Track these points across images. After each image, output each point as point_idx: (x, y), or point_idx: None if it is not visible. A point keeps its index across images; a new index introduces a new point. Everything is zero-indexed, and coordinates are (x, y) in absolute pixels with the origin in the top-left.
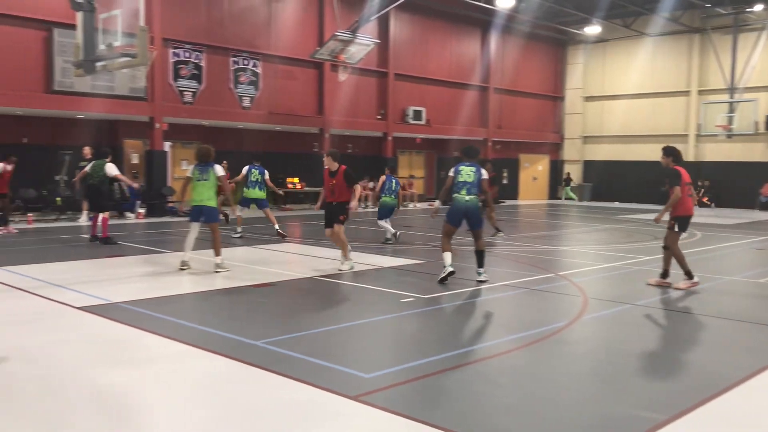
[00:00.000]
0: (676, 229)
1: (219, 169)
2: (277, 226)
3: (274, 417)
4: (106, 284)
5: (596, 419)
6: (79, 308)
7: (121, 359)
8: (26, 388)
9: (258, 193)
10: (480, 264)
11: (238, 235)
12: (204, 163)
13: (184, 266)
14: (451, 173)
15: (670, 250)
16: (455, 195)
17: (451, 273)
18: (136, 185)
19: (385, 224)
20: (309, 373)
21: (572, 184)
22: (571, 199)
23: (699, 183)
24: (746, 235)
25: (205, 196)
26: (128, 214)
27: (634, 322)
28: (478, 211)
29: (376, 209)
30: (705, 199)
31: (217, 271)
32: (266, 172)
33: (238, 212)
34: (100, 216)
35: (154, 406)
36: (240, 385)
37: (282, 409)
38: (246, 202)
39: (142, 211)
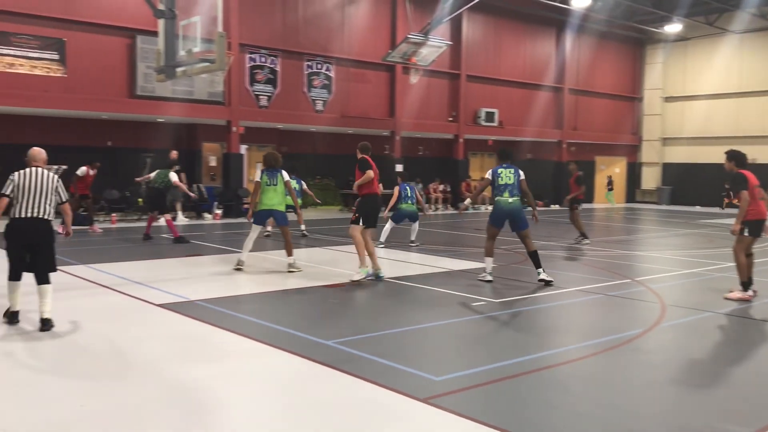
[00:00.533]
0: (746, 233)
1: (286, 175)
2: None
3: (343, 416)
4: (185, 282)
5: (672, 429)
6: (159, 305)
7: (198, 355)
8: (108, 381)
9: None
10: (537, 264)
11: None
12: (272, 168)
13: (239, 266)
14: (488, 176)
15: (735, 256)
16: (498, 198)
17: (489, 281)
18: (193, 195)
19: (387, 227)
20: (379, 374)
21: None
22: (610, 203)
23: None
24: None
25: (276, 201)
26: (206, 215)
27: (714, 330)
28: (522, 213)
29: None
30: None
31: (290, 271)
32: (303, 182)
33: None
34: (162, 218)
35: (228, 401)
36: (311, 384)
37: (351, 409)
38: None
39: (218, 212)
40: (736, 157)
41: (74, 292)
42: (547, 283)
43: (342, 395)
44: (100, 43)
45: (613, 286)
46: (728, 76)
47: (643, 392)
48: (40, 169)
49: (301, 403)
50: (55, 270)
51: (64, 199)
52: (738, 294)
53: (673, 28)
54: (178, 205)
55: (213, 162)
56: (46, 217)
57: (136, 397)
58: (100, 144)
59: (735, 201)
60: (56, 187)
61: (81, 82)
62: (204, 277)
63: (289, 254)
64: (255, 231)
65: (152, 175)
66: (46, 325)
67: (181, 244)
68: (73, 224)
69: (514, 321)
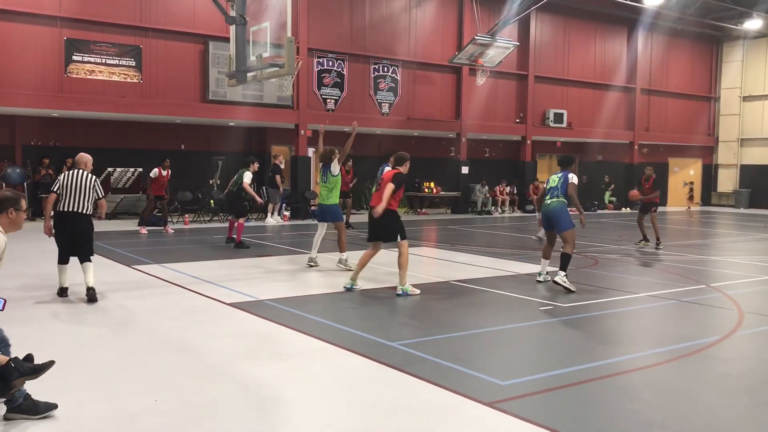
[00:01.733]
0: None
1: (335, 168)
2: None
3: (407, 418)
4: (254, 282)
5: None
6: (229, 304)
7: (266, 353)
8: (181, 377)
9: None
10: (562, 266)
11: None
12: (325, 164)
13: (311, 263)
14: (544, 184)
15: None
16: (544, 203)
17: (540, 282)
18: (260, 200)
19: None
20: (444, 377)
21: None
22: (611, 203)
23: None
24: None
25: (324, 195)
26: (274, 216)
27: None
28: (560, 214)
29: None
30: None
31: (339, 267)
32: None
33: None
34: (239, 221)
35: (296, 400)
36: (375, 385)
37: (415, 411)
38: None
39: (287, 213)
40: None
41: (148, 290)
42: (567, 290)
43: (406, 397)
44: (174, 50)
45: (687, 292)
46: None
47: (717, 403)
48: (81, 171)
49: (366, 404)
50: (92, 254)
51: (100, 196)
52: None
53: (753, 24)
54: (271, 207)
55: (282, 165)
56: (84, 211)
57: (207, 394)
58: (173, 147)
59: None
60: (94, 186)
61: (156, 87)
62: (272, 277)
63: (341, 250)
64: (320, 228)
65: (236, 176)
66: (90, 292)
67: (239, 249)
68: (148, 225)
69: (582, 326)
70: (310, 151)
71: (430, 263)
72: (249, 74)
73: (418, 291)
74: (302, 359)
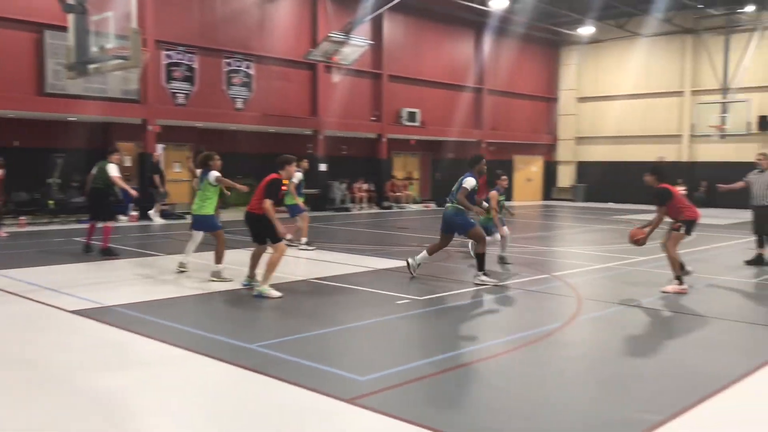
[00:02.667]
0: (683, 231)
1: (212, 176)
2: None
3: (268, 420)
4: (100, 287)
5: (592, 421)
6: (72, 312)
7: (116, 363)
8: (22, 393)
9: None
10: (477, 267)
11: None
12: (203, 171)
13: (181, 268)
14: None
15: (669, 252)
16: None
17: (409, 266)
18: (134, 193)
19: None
20: (304, 376)
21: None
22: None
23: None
24: (740, 235)
25: (198, 204)
26: (121, 217)
27: (628, 323)
28: (450, 218)
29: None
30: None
31: (212, 280)
32: (296, 175)
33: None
34: (100, 224)
35: (149, 410)
36: (235, 389)
37: (276, 413)
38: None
39: (134, 213)
40: (657, 171)
41: None
42: (494, 285)
43: (266, 399)
44: (5, 38)
45: (533, 282)
46: (638, 78)
47: (563, 385)
48: None
49: (224, 410)
50: None
51: None
52: (675, 288)
53: (586, 30)
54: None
55: (128, 162)
56: None
57: (50, 409)
58: (6, 144)
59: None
60: None
61: None
62: (120, 281)
63: (217, 261)
64: (194, 237)
65: (94, 170)
66: None
67: (105, 256)
68: None
69: (437, 318)
70: (159, 148)
71: (289, 262)
72: (91, 66)
73: (277, 294)
74: (155, 368)
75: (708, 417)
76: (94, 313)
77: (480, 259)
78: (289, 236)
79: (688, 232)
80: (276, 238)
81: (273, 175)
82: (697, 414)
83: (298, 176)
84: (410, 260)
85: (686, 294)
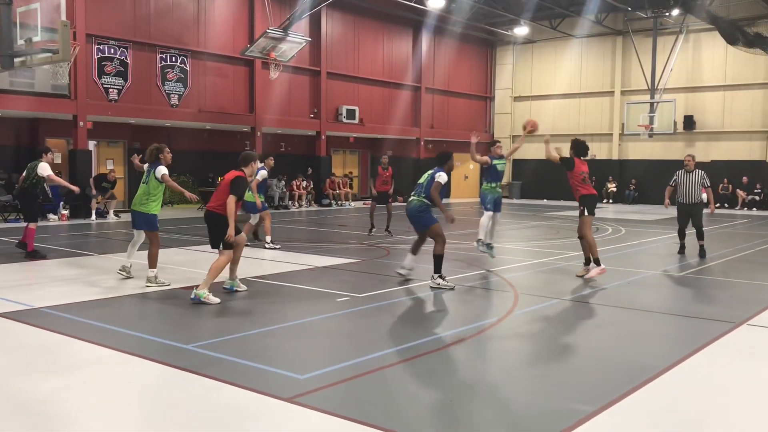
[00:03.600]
0: (586, 213)
1: (159, 171)
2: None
3: (206, 421)
4: (28, 289)
5: (529, 412)
6: None
7: (45, 367)
8: None
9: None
10: (434, 268)
11: (270, 245)
12: (151, 164)
13: (123, 272)
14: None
15: (585, 235)
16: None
17: (400, 274)
18: (75, 188)
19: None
20: (242, 376)
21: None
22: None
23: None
24: (667, 230)
25: (138, 199)
26: (51, 216)
27: (562, 316)
28: (417, 212)
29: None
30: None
31: (148, 286)
32: (260, 172)
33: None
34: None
35: (81, 414)
36: (171, 390)
37: (214, 414)
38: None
39: (65, 212)
40: (575, 146)
41: None
42: (449, 289)
43: (203, 400)
44: None
45: (471, 277)
46: (571, 78)
47: (501, 378)
48: None
49: (159, 411)
50: None
51: None
52: (595, 270)
53: (521, 30)
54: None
55: (58, 159)
56: None
57: None
58: None
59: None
60: None
61: None
62: (49, 282)
63: (151, 266)
64: (136, 235)
65: (26, 172)
66: None
67: (31, 258)
68: None
69: (376, 315)
70: (91, 144)
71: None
72: (17, 60)
73: (216, 300)
74: (86, 370)
75: (637, 406)
76: (22, 316)
77: (438, 260)
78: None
79: (590, 212)
80: (226, 244)
81: (237, 173)
82: (628, 403)
83: (262, 174)
84: (400, 270)
85: (605, 273)
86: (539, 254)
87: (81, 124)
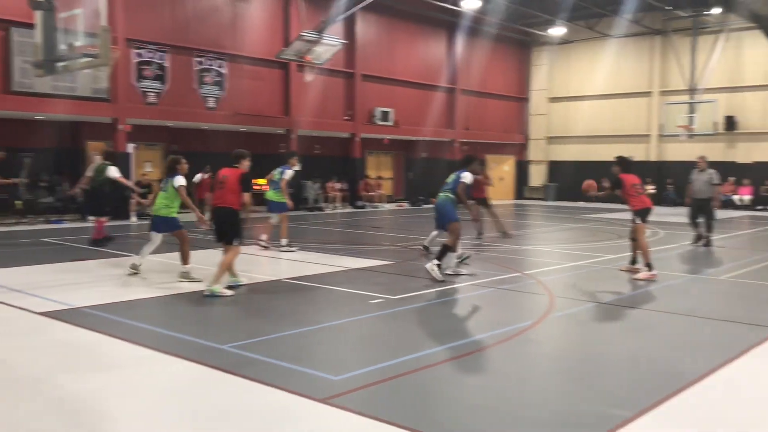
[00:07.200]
0: (640, 221)
1: (177, 181)
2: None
3: (241, 421)
4: (69, 288)
5: (564, 417)
6: (40, 313)
7: (85, 365)
8: None
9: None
10: (437, 255)
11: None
12: (170, 174)
13: (133, 269)
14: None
15: (639, 242)
16: None
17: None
18: (138, 189)
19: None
20: (277, 377)
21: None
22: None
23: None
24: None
25: (160, 205)
26: (91, 218)
27: (599, 320)
28: (443, 208)
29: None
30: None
31: (181, 280)
32: (287, 172)
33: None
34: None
35: (120, 412)
36: (207, 390)
37: (249, 414)
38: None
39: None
40: (621, 162)
41: None
42: (433, 280)
43: (239, 400)
44: None
45: (505, 280)
46: (608, 79)
47: (535, 382)
48: None
49: (197, 411)
50: None
51: None
52: (646, 274)
53: (557, 31)
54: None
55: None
56: None
57: (19, 411)
58: None
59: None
60: None
61: None
62: (90, 282)
63: (184, 262)
64: (154, 239)
65: (89, 171)
66: None
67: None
68: None
69: (411, 317)
70: (130, 147)
71: (261, 261)
72: (59, 64)
73: (229, 292)
74: (126, 369)
75: (675, 412)
76: (63, 315)
77: (444, 250)
78: (263, 236)
79: (644, 221)
80: (236, 239)
81: (238, 170)
82: (665, 409)
83: (289, 173)
84: (435, 271)
85: (655, 279)
86: (575, 257)
87: (120, 127)
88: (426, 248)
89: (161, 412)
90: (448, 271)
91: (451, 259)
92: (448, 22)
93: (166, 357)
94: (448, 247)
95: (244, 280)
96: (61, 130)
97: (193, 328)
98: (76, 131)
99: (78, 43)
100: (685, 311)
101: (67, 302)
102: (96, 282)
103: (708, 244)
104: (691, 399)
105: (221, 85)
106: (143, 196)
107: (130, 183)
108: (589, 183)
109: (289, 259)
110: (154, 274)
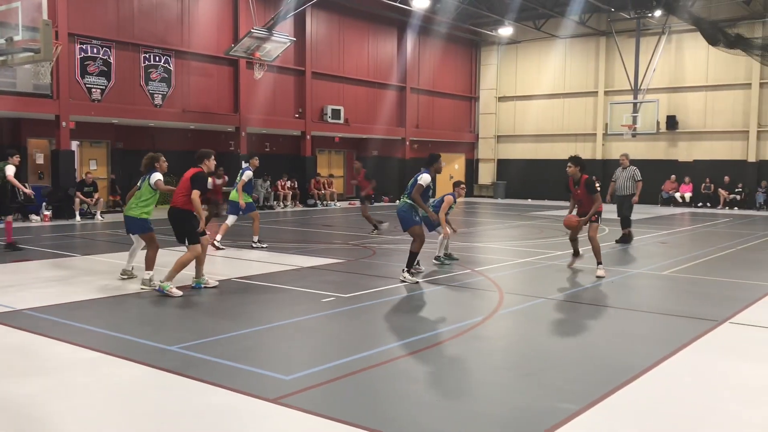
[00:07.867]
0: (600, 221)
1: (153, 178)
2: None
3: (190, 423)
4: (10, 290)
5: (514, 412)
6: None
7: (28, 369)
8: None
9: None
10: (407, 263)
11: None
12: (147, 172)
13: (124, 275)
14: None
15: (593, 241)
16: None
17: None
18: (28, 191)
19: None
20: (227, 377)
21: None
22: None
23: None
24: (650, 229)
25: (132, 204)
26: (33, 217)
27: (547, 315)
28: (402, 213)
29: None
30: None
31: (143, 288)
32: (246, 173)
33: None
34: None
35: (64, 416)
36: (155, 392)
37: (199, 415)
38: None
39: (48, 213)
40: (581, 162)
41: None
42: (403, 281)
43: (188, 402)
44: None
45: (456, 277)
46: (555, 78)
47: (486, 377)
48: None
49: (144, 413)
50: None
51: None
52: (603, 271)
53: (506, 31)
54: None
55: (40, 159)
56: None
57: None
58: None
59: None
60: None
61: None
62: (32, 284)
63: (147, 268)
64: (135, 241)
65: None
66: None
67: (10, 251)
68: None
69: (362, 315)
70: (74, 144)
71: (212, 261)
72: None
73: (179, 293)
74: (68, 372)
75: (621, 405)
76: (4, 318)
77: (411, 257)
78: (218, 237)
79: (598, 221)
80: (193, 239)
81: (195, 169)
82: (611, 402)
83: (248, 174)
84: (406, 276)
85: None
86: (524, 254)
87: (63, 124)
88: (438, 258)
89: (105, 415)
90: (435, 261)
91: (441, 248)
92: (398, 21)
93: (111, 359)
94: (413, 253)
95: (212, 282)
96: (1, 128)
97: (140, 330)
98: (17, 128)
99: (17, 38)
100: (628, 306)
101: (7, 304)
102: (37, 283)
103: (626, 240)
104: (637, 391)
105: (168, 81)
106: (88, 195)
107: (18, 183)
108: (569, 219)
109: (240, 258)
110: (100, 275)
